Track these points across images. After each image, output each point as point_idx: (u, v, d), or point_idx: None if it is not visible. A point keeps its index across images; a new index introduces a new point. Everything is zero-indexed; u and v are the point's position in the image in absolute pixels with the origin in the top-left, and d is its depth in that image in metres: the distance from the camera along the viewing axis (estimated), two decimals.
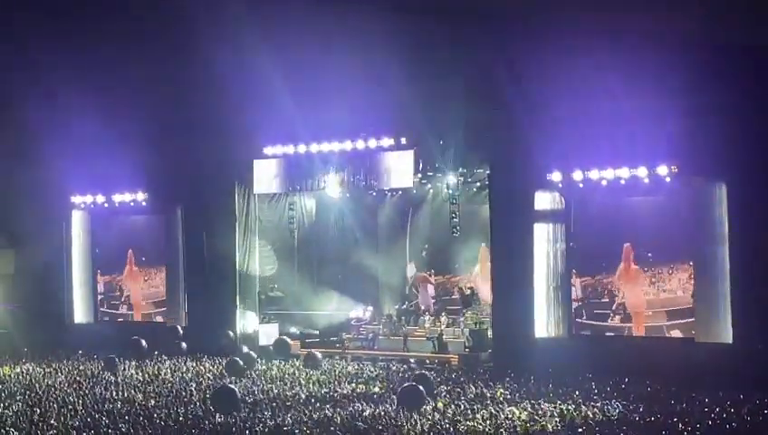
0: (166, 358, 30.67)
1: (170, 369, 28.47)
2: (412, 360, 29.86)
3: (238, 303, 32.98)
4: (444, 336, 31.21)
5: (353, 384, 25.47)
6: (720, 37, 24.20)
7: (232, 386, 23.41)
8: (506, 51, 26.54)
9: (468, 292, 32.23)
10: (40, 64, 32.46)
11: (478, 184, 31.58)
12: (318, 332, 33.77)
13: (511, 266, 28.30)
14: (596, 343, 27.32)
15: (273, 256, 34.32)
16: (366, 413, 20.73)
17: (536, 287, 28.06)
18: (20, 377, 27.30)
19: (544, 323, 28.10)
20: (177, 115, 32.98)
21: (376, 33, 26.86)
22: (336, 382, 25.78)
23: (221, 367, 28.30)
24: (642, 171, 26.51)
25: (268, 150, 32.17)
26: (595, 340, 27.55)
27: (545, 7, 25.29)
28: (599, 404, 21.34)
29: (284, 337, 32.66)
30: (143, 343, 31.94)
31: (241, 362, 27.70)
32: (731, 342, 25.33)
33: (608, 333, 27.65)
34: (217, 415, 20.56)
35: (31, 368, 29.16)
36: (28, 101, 32.86)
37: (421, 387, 21.95)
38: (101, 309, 37.01)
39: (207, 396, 22.72)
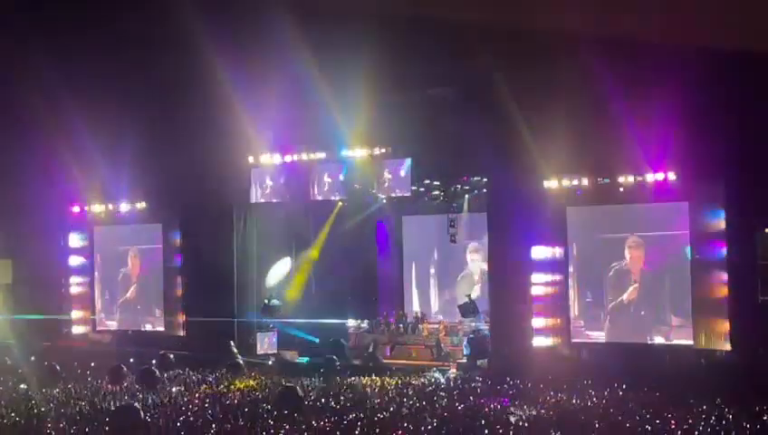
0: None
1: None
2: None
3: (236, 312, 32.91)
4: (442, 344, 31.20)
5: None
6: (720, 41, 24.15)
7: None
8: (502, 58, 26.50)
9: (467, 299, 32.17)
10: (39, 73, 32.41)
11: (476, 192, 31.57)
12: (318, 340, 33.74)
13: (509, 274, 28.22)
14: (594, 351, 27.24)
15: (271, 264, 34.28)
16: None
17: (534, 295, 27.98)
18: (18, 388, 27.20)
19: (542, 331, 28.03)
20: (174, 124, 32.96)
21: (372, 45, 26.85)
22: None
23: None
24: (641, 177, 26.50)
25: (266, 159, 32.17)
26: (593, 348, 27.46)
27: (541, 15, 25.25)
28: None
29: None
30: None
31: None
32: (730, 348, 25.30)
33: (606, 341, 27.58)
34: None
35: (29, 379, 29.07)
36: (26, 111, 32.84)
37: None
38: (101, 319, 37.00)
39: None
